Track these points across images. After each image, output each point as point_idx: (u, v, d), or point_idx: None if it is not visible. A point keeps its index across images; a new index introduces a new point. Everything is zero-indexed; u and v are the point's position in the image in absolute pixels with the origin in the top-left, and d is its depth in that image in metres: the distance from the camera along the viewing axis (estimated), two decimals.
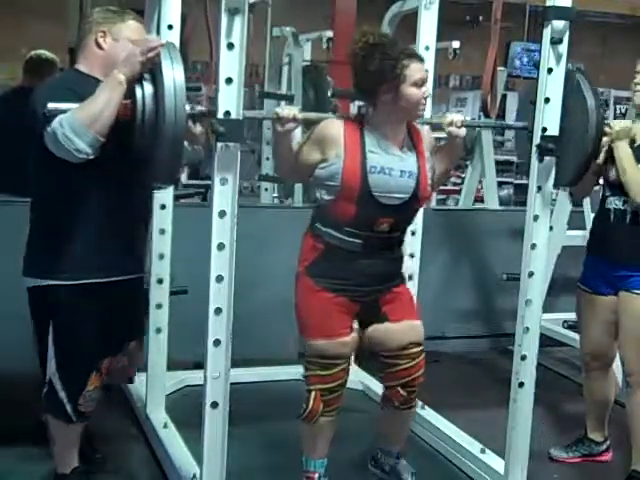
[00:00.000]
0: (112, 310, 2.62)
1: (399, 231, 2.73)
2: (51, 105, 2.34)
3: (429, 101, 3.25)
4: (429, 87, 2.70)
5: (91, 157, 2.34)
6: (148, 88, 2.35)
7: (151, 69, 2.37)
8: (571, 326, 4.50)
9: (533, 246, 2.83)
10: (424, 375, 2.82)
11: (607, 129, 2.98)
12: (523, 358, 2.88)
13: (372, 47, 2.54)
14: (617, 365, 3.87)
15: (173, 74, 2.30)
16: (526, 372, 2.89)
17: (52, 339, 2.60)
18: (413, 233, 3.51)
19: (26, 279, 2.62)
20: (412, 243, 3.52)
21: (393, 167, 2.61)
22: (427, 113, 3.22)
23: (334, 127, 2.63)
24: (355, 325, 2.73)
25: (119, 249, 2.61)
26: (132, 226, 2.69)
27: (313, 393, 2.70)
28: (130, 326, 2.79)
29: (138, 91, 2.36)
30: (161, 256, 3.36)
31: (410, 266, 3.46)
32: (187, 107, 2.34)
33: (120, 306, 2.64)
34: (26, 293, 2.65)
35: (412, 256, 3.55)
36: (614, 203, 3.13)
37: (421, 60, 2.64)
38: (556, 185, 2.91)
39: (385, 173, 2.60)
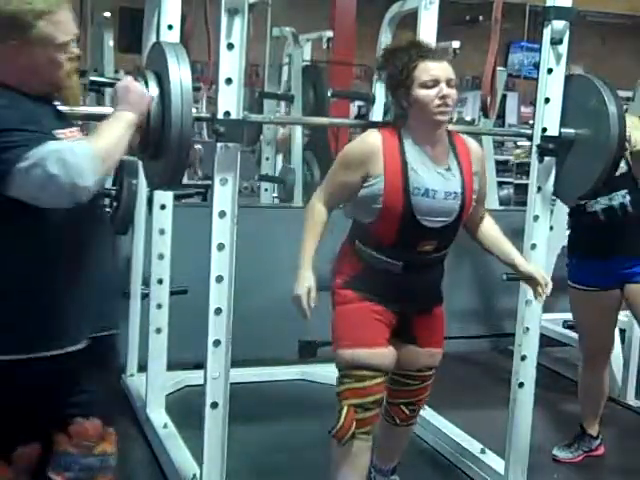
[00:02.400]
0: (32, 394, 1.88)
1: (443, 249, 2.53)
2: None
3: None
4: (450, 88, 2.37)
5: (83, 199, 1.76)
6: (153, 90, 2.24)
7: (156, 71, 2.32)
8: (571, 326, 4.49)
9: (533, 246, 2.83)
10: (429, 395, 2.75)
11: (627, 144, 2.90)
12: (523, 358, 2.87)
13: (390, 52, 2.46)
14: (615, 363, 3.88)
15: (180, 75, 2.21)
16: (526, 372, 2.89)
17: None
18: None
19: None
20: None
21: (437, 189, 2.40)
22: None
23: (372, 140, 2.43)
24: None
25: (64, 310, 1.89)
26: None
27: (345, 409, 2.46)
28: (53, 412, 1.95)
29: None
30: (161, 256, 3.36)
31: None
32: (194, 110, 2.30)
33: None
34: None
35: None
36: (619, 199, 3.14)
37: (438, 58, 2.40)
38: (572, 198, 2.93)
39: (429, 196, 2.39)
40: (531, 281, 2.61)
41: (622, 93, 2.88)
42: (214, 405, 2.52)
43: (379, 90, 3.91)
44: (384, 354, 2.49)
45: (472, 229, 2.65)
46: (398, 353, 2.55)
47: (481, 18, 11.41)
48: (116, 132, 1.90)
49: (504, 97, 9.74)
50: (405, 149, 2.41)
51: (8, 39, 1.84)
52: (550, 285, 2.59)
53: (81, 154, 1.73)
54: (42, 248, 1.85)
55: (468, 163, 2.49)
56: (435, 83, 2.36)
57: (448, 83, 2.36)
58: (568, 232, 3.49)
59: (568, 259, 3.36)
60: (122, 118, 1.95)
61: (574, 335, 4.59)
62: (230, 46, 2.37)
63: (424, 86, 2.36)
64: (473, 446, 3.29)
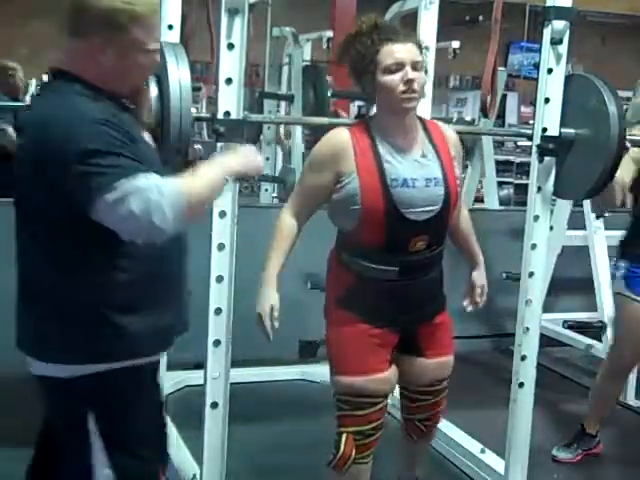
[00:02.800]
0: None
1: (437, 245, 2.35)
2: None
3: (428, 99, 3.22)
4: (416, 72, 2.20)
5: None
6: (153, 90, 2.27)
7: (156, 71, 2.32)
8: (571, 326, 4.51)
9: (533, 246, 2.83)
10: (445, 409, 2.62)
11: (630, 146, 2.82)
12: (523, 358, 2.87)
13: (352, 37, 2.26)
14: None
15: (179, 75, 2.24)
16: (526, 372, 2.89)
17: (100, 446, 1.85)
18: None
19: (42, 365, 1.84)
20: None
21: (416, 177, 2.24)
22: (426, 110, 3.22)
23: (339, 137, 2.27)
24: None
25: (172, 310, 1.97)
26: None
27: (344, 436, 2.34)
28: None
29: None
30: None
31: None
32: (193, 110, 2.30)
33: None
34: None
35: None
36: None
37: (402, 40, 2.21)
38: (572, 198, 2.88)
39: (409, 186, 2.23)
40: (471, 289, 2.59)
41: (622, 93, 2.88)
42: (214, 405, 2.52)
43: None
44: (383, 380, 2.35)
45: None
46: (405, 368, 2.43)
47: (481, 18, 11.43)
48: (213, 180, 1.80)
49: (504, 97, 9.75)
50: (376, 142, 2.26)
51: (94, 36, 1.74)
52: (484, 299, 2.61)
53: (168, 196, 1.64)
54: (143, 265, 1.83)
55: (445, 147, 2.34)
56: (399, 67, 2.19)
57: (414, 66, 2.20)
58: (623, 233, 3.31)
59: (629, 268, 3.18)
60: (224, 168, 1.84)
61: (574, 335, 4.61)
62: (230, 46, 2.37)
63: (388, 70, 2.19)
64: (473, 446, 3.29)
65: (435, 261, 2.38)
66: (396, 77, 2.19)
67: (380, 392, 2.35)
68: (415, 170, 2.26)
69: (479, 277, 2.60)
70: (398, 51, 2.19)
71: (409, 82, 2.19)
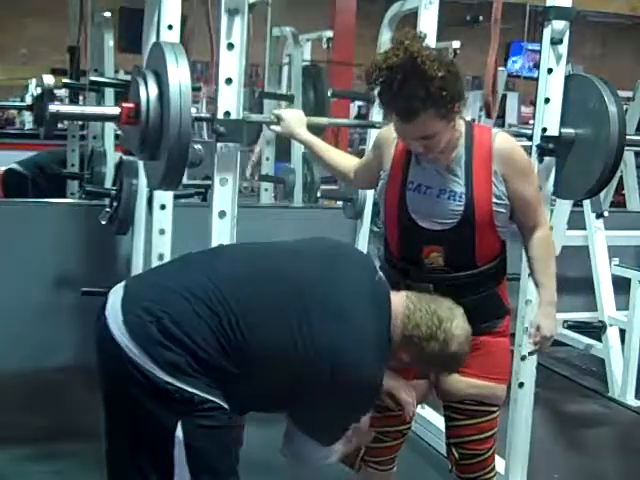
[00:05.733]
0: None
1: (454, 263, 2.17)
2: None
3: None
4: (426, 140, 2.07)
5: None
6: (153, 90, 2.26)
7: (156, 70, 2.34)
8: (571, 326, 4.50)
9: None
10: (489, 444, 2.30)
11: None
12: (523, 358, 2.87)
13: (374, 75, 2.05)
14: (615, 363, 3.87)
15: (179, 75, 2.22)
16: (526, 372, 2.89)
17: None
18: None
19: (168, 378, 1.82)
20: None
21: (431, 185, 2.15)
22: None
23: (389, 130, 2.23)
24: None
25: None
26: None
27: None
28: None
29: (142, 93, 2.27)
30: (161, 256, 3.35)
31: None
32: (193, 110, 2.30)
33: None
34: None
35: None
36: None
37: (408, 119, 2.02)
38: (572, 198, 2.85)
39: (420, 192, 2.16)
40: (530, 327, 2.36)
41: (622, 93, 2.88)
42: None
43: None
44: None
45: (523, 237, 2.31)
46: (442, 386, 2.27)
47: (481, 18, 11.45)
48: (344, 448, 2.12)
49: (504, 97, 9.74)
50: None
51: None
52: (537, 339, 2.29)
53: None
54: None
55: (484, 163, 2.15)
56: (404, 139, 2.13)
57: (423, 138, 2.06)
58: None
59: None
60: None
61: (574, 335, 4.61)
62: (230, 46, 2.37)
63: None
64: None
65: (463, 287, 2.18)
66: (407, 142, 2.14)
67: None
68: (432, 178, 2.17)
69: (537, 316, 2.29)
70: (400, 128, 2.09)
71: (418, 153, 2.14)
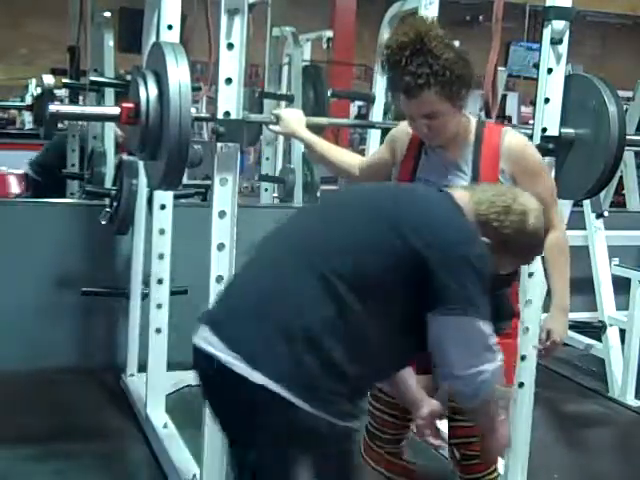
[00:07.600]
0: None
1: None
2: None
3: None
4: (431, 119, 2.11)
5: None
6: (152, 90, 2.27)
7: (155, 70, 2.34)
8: (571, 326, 4.50)
9: None
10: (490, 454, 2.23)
11: None
12: (523, 358, 2.87)
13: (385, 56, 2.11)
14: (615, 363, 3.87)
15: (179, 75, 2.22)
16: (526, 372, 2.89)
17: None
18: None
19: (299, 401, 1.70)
20: None
21: (438, 181, 2.15)
22: None
23: (404, 126, 2.26)
24: None
25: None
26: None
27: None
28: None
29: (142, 93, 2.28)
30: (161, 256, 3.36)
31: None
32: (192, 110, 2.30)
33: None
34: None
35: None
36: None
37: (414, 94, 2.06)
38: (572, 198, 2.83)
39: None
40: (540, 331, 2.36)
41: (622, 93, 2.88)
42: None
43: (379, 90, 3.91)
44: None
45: None
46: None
47: (481, 18, 11.45)
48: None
49: (504, 97, 9.74)
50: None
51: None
52: (546, 344, 2.30)
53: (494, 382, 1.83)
54: None
55: (492, 161, 2.17)
56: (411, 118, 2.14)
57: (427, 116, 2.09)
58: None
59: None
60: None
61: (574, 335, 4.61)
62: (230, 46, 2.37)
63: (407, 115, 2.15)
64: None
65: None
66: (412, 123, 2.16)
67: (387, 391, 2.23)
68: (436, 172, 2.19)
69: (547, 321, 2.30)
70: (408, 104, 2.11)
71: (423, 133, 2.15)
